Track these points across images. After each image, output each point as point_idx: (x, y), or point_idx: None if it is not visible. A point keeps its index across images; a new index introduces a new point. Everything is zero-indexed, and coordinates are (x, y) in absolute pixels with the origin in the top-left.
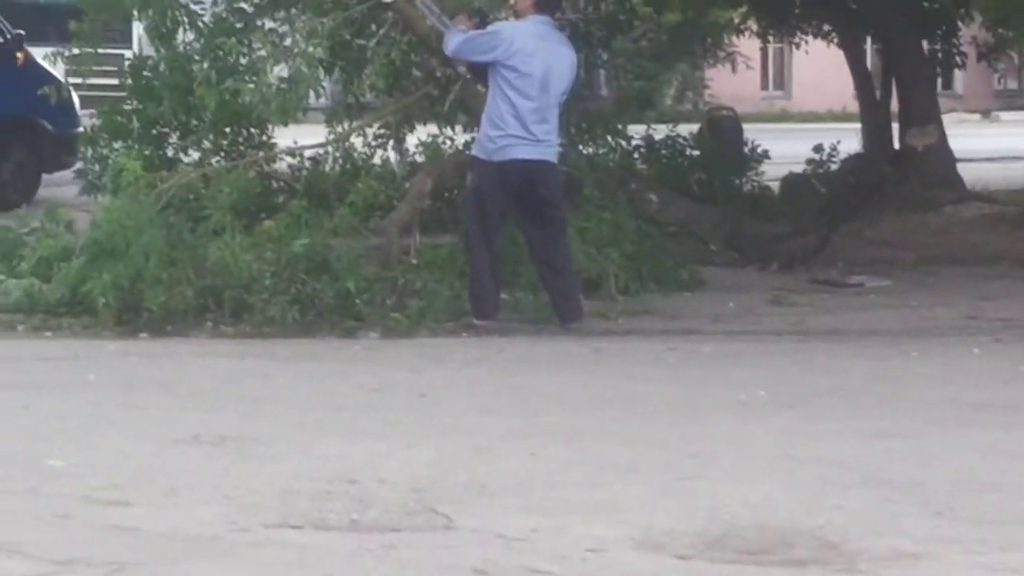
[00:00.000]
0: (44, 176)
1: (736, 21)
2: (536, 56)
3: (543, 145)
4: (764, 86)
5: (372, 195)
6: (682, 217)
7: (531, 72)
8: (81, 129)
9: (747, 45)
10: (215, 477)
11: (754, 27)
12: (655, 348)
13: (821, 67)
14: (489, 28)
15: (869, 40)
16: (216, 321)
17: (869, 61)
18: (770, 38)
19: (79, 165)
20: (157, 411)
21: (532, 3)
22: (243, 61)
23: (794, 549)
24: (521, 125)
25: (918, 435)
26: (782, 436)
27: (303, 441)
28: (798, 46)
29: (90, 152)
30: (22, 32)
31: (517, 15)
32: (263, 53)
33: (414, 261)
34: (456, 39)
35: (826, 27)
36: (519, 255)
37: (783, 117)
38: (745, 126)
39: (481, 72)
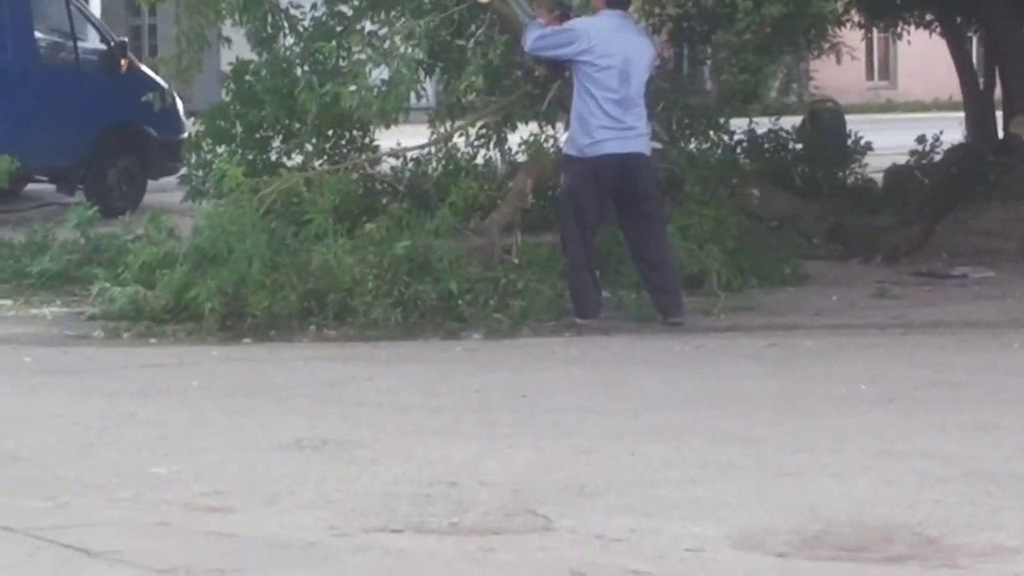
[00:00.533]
0: (149, 182)
1: (838, 12)
2: (614, 48)
3: (633, 136)
4: (870, 76)
5: (473, 195)
6: (784, 211)
7: (611, 64)
8: (186, 135)
9: (851, 36)
10: (316, 482)
11: (856, 18)
12: (756, 344)
13: (927, 56)
14: (565, 24)
15: (973, 29)
16: (319, 325)
17: (973, 50)
18: (874, 28)
19: (184, 171)
20: (259, 416)
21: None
22: (343, 64)
23: (892, 545)
24: (609, 117)
25: (1019, 427)
26: (882, 431)
27: (404, 444)
28: (900, 36)
29: (194, 157)
30: (125, 39)
31: (592, 11)
32: (362, 56)
33: (516, 261)
34: (533, 34)
35: (928, 16)
36: (621, 253)
37: (889, 107)
38: (849, 117)
39: (559, 68)
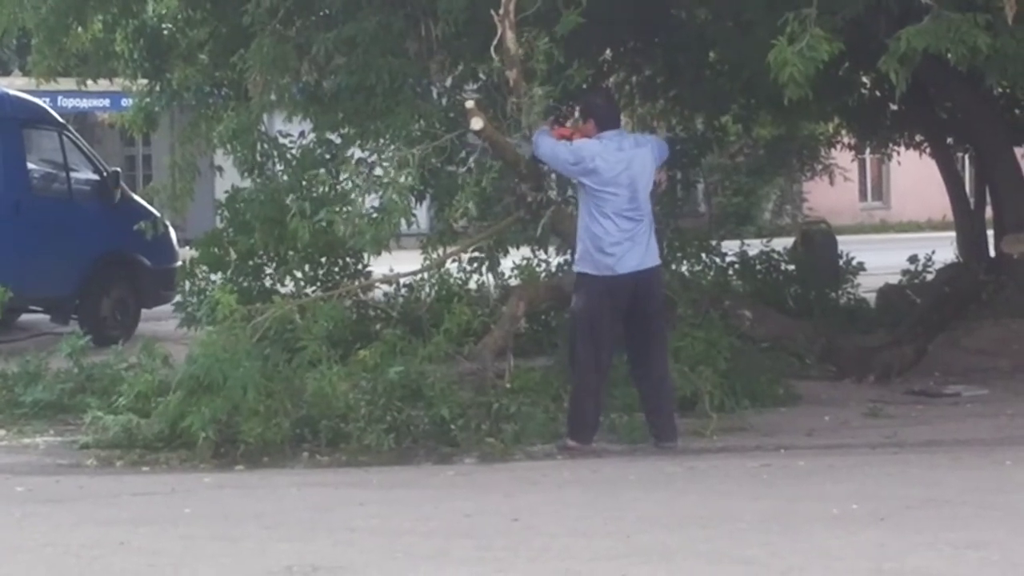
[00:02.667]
0: (144, 311)
1: (829, 133)
2: (618, 168)
3: (649, 247)
4: (863, 197)
5: (466, 321)
6: (776, 332)
7: (618, 185)
8: (179, 263)
9: (844, 157)
10: None
11: (847, 139)
12: (749, 464)
13: (919, 176)
14: (573, 145)
15: (963, 149)
16: (312, 451)
17: (964, 169)
18: (866, 149)
19: (178, 298)
20: (251, 543)
21: (594, 129)
22: (333, 192)
23: None
24: (622, 232)
25: (1011, 545)
26: (872, 550)
27: (394, 569)
28: (890, 157)
29: (188, 285)
30: (118, 169)
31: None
32: (353, 183)
33: (508, 385)
34: (545, 143)
35: (918, 137)
36: (614, 376)
37: (882, 228)
38: (842, 238)
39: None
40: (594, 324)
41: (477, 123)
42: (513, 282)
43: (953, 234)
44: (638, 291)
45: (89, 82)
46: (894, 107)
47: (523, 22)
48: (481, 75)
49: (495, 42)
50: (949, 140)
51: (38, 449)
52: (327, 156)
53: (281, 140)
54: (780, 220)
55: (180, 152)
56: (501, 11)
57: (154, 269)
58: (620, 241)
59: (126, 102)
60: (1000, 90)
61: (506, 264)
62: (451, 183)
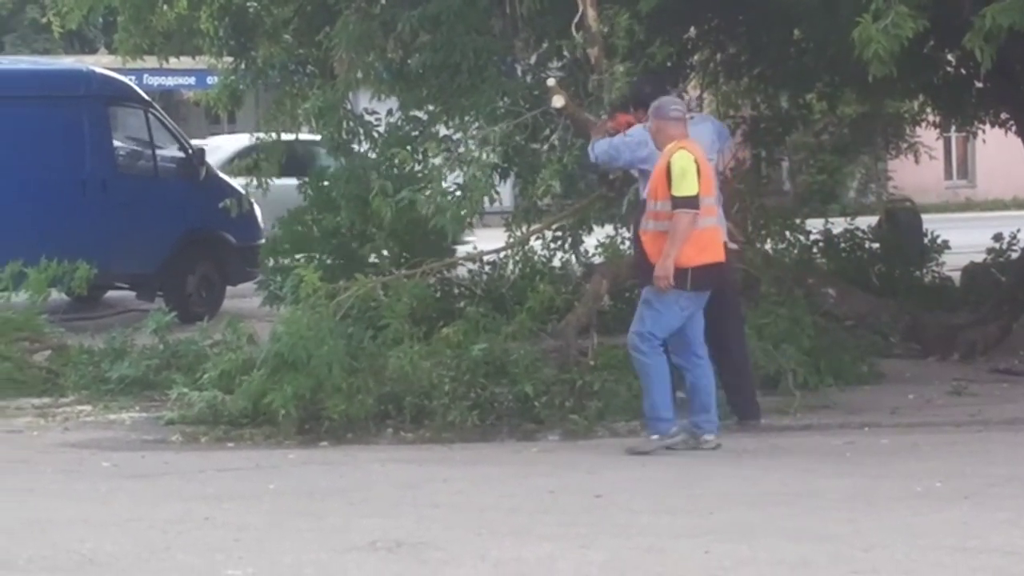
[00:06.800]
0: (228, 288)
1: (915, 111)
2: None
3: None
4: (948, 175)
5: (549, 298)
6: (861, 311)
7: None
8: (263, 241)
9: (929, 135)
10: None
11: (932, 117)
12: (832, 442)
13: (1005, 155)
14: (627, 132)
15: None
16: (396, 428)
17: None
18: (951, 128)
19: (261, 276)
20: (335, 518)
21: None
22: (418, 170)
23: None
24: None
25: None
26: (957, 527)
27: (478, 545)
28: (975, 135)
29: (272, 263)
30: (203, 147)
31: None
32: (437, 161)
33: (592, 362)
34: (599, 145)
35: (1004, 115)
36: None
37: (968, 206)
38: (927, 217)
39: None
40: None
41: (558, 101)
42: (596, 260)
43: None
44: None
45: (173, 60)
46: (979, 84)
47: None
48: (565, 53)
49: (576, 19)
50: None
51: (124, 425)
52: (414, 134)
53: (367, 118)
54: (864, 198)
55: (265, 130)
56: None
57: (239, 246)
58: None
59: (211, 80)
60: None
61: (590, 242)
62: (535, 160)
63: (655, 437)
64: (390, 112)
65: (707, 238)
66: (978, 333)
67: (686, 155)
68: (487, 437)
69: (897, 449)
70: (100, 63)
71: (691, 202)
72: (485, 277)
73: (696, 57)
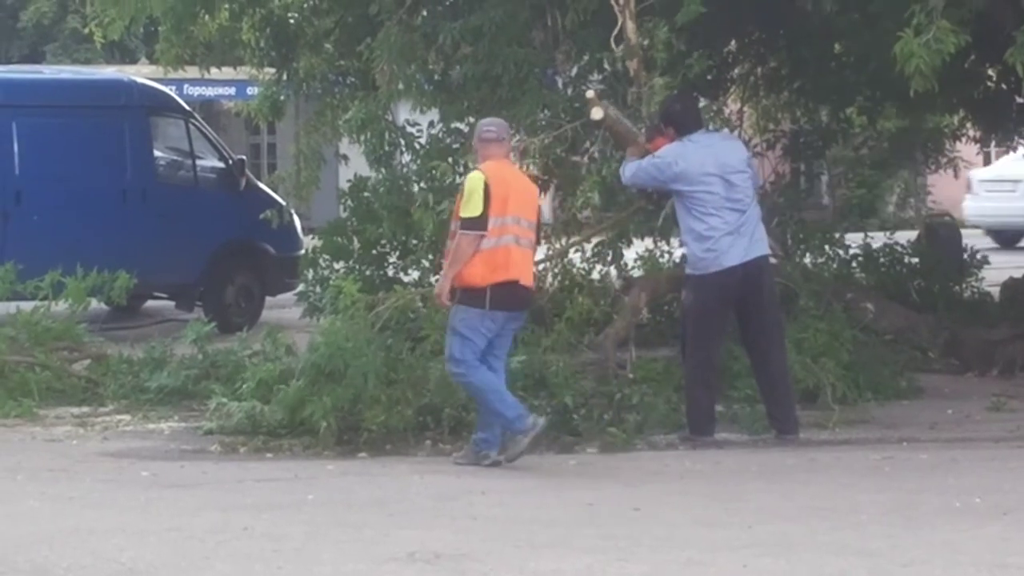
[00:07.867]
0: (267, 299)
1: (954, 126)
2: (706, 160)
3: (755, 238)
4: None
5: (588, 311)
6: (900, 325)
7: (707, 175)
8: (303, 252)
9: (968, 150)
10: None
11: (972, 132)
12: (871, 457)
13: None
14: (656, 154)
15: None
16: (435, 439)
17: None
18: (991, 142)
19: (301, 287)
20: (373, 530)
21: (676, 136)
22: (459, 181)
23: None
24: (727, 224)
25: None
26: (996, 544)
27: (516, 557)
28: (1015, 150)
29: (311, 274)
30: (243, 157)
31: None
32: None
33: (630, 375)
34: (628, 167)
35: None
36: (736, 368)
37: None
38: (965, 232)
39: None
40: (702, 322)
41: (597, 113)
42: (636, 273)
43: None
44: (747, 282)
45: (214, 71)
46: (1020, 100)
47: (645, 12)
48: (606, 65)
49: (615, 31)
50: None
51: (163, 434)
52: (455, 146)
53: (408, 129)
54: (904, 213)
55: (305, 141)
56: (621, 0)
57: (278, 257)
58: (728, 233)
59: (251, 91)
60: None
61: (629, 255)
62: (575, 173)
63: (520, 436)
64: (431, 124)
65: (501, 257)
66: (1017, 348)
67: (477, 176)
68: (526, 449)
69: (936, 464)
70: (141, 73)
71: (473, 223)
72: None
73: (736, 71)
